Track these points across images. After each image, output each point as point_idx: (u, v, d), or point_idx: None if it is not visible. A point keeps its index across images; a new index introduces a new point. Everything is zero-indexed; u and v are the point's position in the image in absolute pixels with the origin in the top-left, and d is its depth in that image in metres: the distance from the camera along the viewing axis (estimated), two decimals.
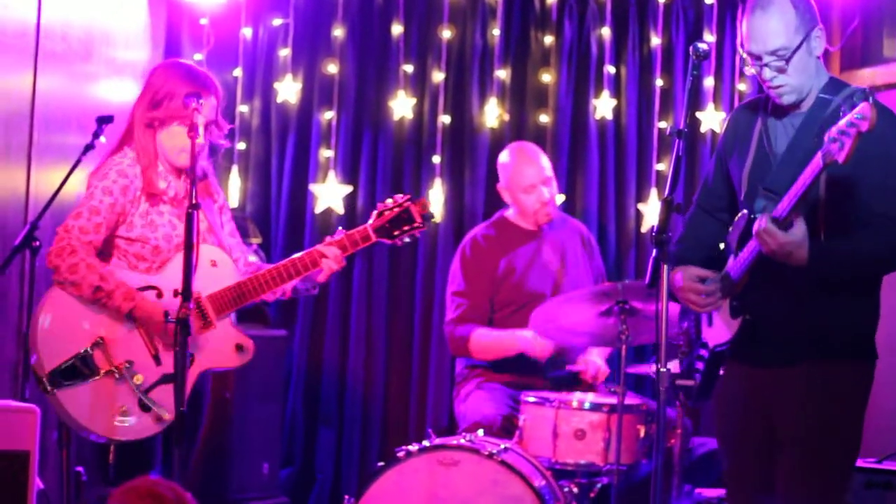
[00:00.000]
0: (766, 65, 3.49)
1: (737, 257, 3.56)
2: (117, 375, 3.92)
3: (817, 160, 3.24)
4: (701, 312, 3.71)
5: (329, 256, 4.06)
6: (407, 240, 4.13)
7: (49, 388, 3.92)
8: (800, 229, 3.35)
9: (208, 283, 4.05)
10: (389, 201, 4.10)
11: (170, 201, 4.08)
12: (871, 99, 3.20)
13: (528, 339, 5.20)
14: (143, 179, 4.03)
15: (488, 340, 5.35)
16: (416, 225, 4.09)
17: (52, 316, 3.97)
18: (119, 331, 3.96)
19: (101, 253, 4.05)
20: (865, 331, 3.59)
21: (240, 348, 4.04)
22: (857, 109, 3.15)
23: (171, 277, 3.96)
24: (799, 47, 3.47)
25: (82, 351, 3.93)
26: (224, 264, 4.06)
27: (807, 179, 3.29)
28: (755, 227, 3.40)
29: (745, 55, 3.56)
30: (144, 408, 3.90)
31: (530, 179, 5.47)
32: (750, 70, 3.56)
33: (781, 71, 3.49)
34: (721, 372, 3.73)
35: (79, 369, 3.92)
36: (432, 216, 4.17)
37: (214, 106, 4.07)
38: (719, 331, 3.67)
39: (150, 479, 2.63)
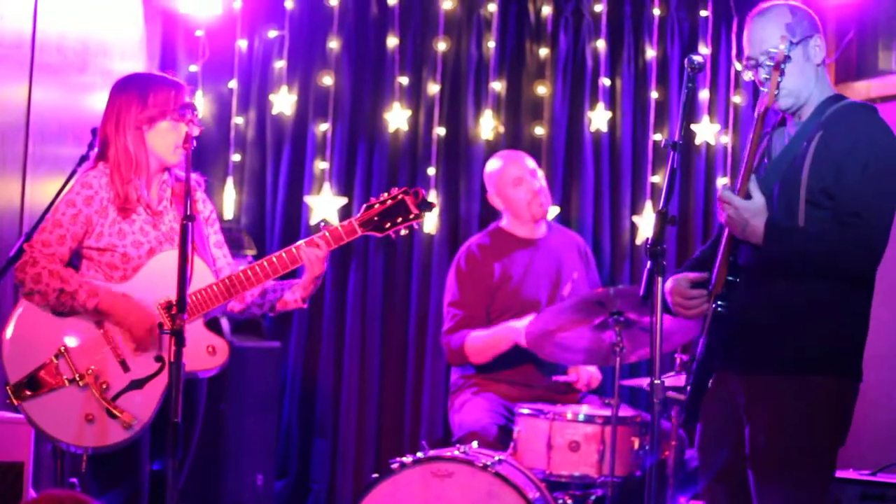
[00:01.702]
0: (761, 64, 3.55)
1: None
2: (81, 384, 3.90)
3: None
4: (689, 317, 3.68)
5: (314, 249, 3.97)
6: (403, 231, 4.00)
7: (14, 400, 3.91)
8: (758, 200, 3.42)
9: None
10: (385, 195, 4.01)
11: (143, 209, 4.03)
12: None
13: (519, 331, 5.18)
14: (117, 193, 3.98)
15: (483, 339, 5.34)
16: (411, 215, 3.98)
17: (16, 329, 3.95)
18: (83, 339, 3.92)
19: (71, 265, 4.01)
20: (845, 348, 3.51)
21: (212, 350, 3.97)
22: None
23: (142, 284, 3.93)
24: (793, 46, 3.53)
25: (45, 362, 3.91)
26: (197, 268, 3.92)
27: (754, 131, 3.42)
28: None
29: (744, 63, 3.63)
30: (111, 415, 3.87)
31: (516, 173, 5.52)
32: (748, 75, 3.62)
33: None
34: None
35: (42, 380, 3.91)
36: (430, 205, 4.00)
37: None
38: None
39: (67, 491, 2.60)
